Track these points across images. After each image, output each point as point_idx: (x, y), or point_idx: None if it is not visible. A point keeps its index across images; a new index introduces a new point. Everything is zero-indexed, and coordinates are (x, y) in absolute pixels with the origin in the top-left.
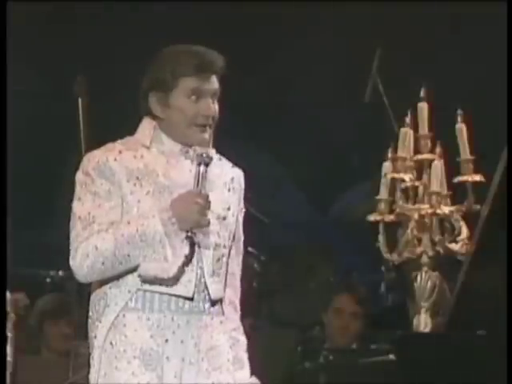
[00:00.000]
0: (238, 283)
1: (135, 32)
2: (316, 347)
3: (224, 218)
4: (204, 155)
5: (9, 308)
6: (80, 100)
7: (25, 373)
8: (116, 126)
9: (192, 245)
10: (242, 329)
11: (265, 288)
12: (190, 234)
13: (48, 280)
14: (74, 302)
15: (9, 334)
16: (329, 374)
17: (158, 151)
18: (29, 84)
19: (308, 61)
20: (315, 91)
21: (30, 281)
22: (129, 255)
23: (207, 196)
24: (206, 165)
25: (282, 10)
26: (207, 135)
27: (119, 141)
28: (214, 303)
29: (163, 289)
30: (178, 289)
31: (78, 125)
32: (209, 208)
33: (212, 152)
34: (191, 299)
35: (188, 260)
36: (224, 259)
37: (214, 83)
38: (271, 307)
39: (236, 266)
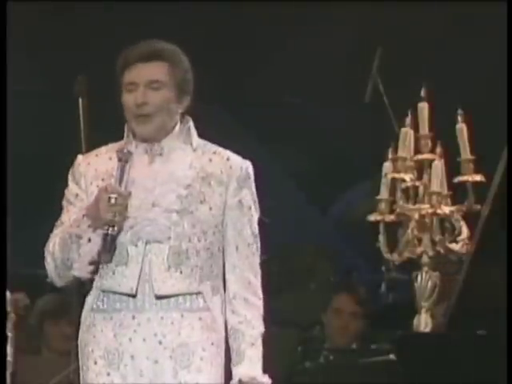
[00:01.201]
0: (248, 275)
1: (135, 32)
2: (316, 347)
3: (190, 212)
4: (125, 151)
5: (9, 308)
6: (80, 100)
7: (25, 373)
8: (116, 126)
9: (113, 241)
10: (254, 322)
11: (265, 288)
12: (109, 231)
13: (48, 280)
14: (74, 301)
15: (9, 334)
16: (329, 374)
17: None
18: (29, 84)
19: (308, 61)
20: (315, 91)
21: (30, 281)
22: (68, 258)
23: (120, 192)
24: (126, 161)
25: (282, 10)
26: (145, 126)
27: (111, 144)
28: (190, 299)
29: (108, 287)
30: (122, 287)
31: (78, 125)
32: (124, 205)
33: (199, 143)
34: (134, 296)
35: (110, 257)
36: (191, 253)
37: (149, 72)
38: (271, 307)
39: (240, 260)
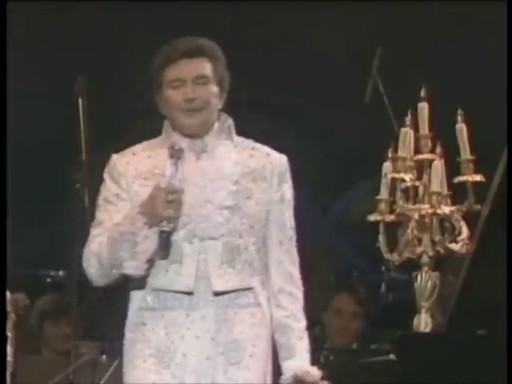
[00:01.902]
0: (290, 269)
1: (135, 32)
2: (316, 347)
3: (239, 208)
4: (176, 147)
5: (9, 308)
6: (80, 100)
7: (24, 373)
8: (116, 126)
9: (168, 237)
10: (299, 315)
11: None
12: (165, 227)
13: (48, 280)
14: (74, 301)
15: (9, 334)
16: (329, 374)
17: None
18: (29, 84)
19: (308, 61)
20: (315, 91)
21: (30, 281)
22: (117, 257)
23: (175, 188)
24: (178, 157)
25: (282, 10)
26: (195, 119)
27: (145, 142)
28: (242, 294)
29: (160, 286)
30: (178, 285)
31: (78, 125)
32: (179, 201)
33: (237, 140)
34: (191, 293)
35: (166, 254)
36: (243, 249)
37: (195, 67)
38: None
39: (283, 254)
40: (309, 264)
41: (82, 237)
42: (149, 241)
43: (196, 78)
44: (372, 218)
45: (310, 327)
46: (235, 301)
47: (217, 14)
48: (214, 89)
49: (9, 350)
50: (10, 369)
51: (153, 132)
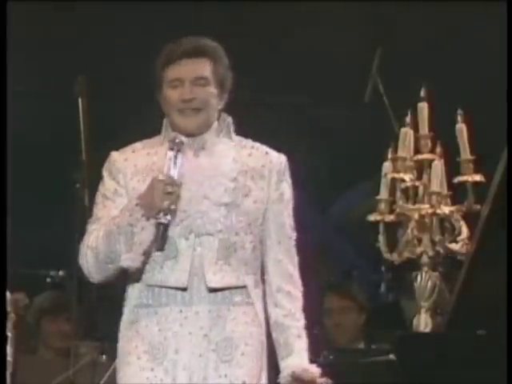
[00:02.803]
0: (289, 269)
1: (135, 32)
2: (316, 347)
3: (237, 206)
4: (177, 140)
5: (9, 308)
6: (80, 100)
7: (22, 371)
8: (116, 126)
9: (165, 230)
10: (298, 314)
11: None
12: (162, 219)
13: (48, 280)
14: (74, 301)
15: (9, 334)
16: (328, 374)
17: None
18: (29, 84)
19: (308, 60)
20: (315, 91)
21: (30, 281)
22: (113, 250)
23: (174, 181)
24: (178, 150)
25: (282, 9)
26: (191, 119)
27: (145, 140)
28: (236, 292)
29: (155, 282)
30: (172, 281)
31: (78, 125)
32: (177, 193)
33: (236, 138)
34: (185, 289)
35: (162, 247)
36: (239, 246)
37: (195, 68)
38: None
39: (282, 253)
40: (309, 264)
41: (82, 237)
42: (146, 232)
43: (195, 78)
44: (372, 218)
45: (311, 327)
46: (229, 298)
47: (216, 13)
48: (213, 90)
49: (9, 349)
50: (10, 369)
51: (153, 131)
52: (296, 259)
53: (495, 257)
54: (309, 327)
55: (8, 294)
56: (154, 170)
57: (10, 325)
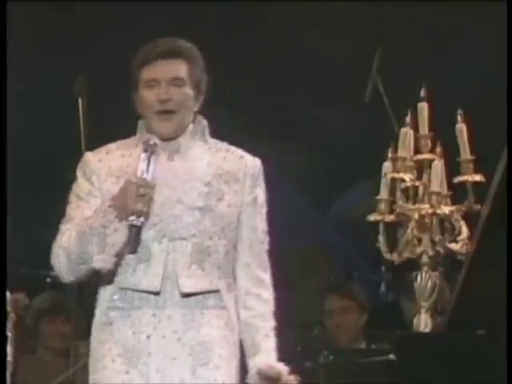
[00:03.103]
0: (257, 273)
1: (135, 32)
2: (316, 347)
3: (211, 210)
4: (150, 142)
5: (9, 308)
6: (80, 100)
7: (22, 371)
8: (116, 126)
9: (137, 232)
10: (267, 315)
11: None
12: (133, 221)
13: (48, 280)
14: (74, 302)
15: (9, 334)
16: (329, 374)
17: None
18: (29, 84)
19: (308, 61)
20: (315, 91)
21: (30, 281)
22: (85, 251)
23: (147, 183)
24: (152, 152)
25: (282, 10)
26: (169, 122)
27: (120, 141)
28: (209, 296)
29: (127, 285)
30: (145, 284)
31: (78, 125)
32: (151, 195)
33: (211, 142)
34: (158, 293)
35: (134, 249)
36: (212, 250)
37: (171, 69)
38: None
39: (251, 257)
40: (309, 265)
41: None
42: (118, 234)
43: (171, 79)
44: (372, 218)
45: (309, 328)
46: (202, 302)
47: (216, 14)
48: (189, 91)
49: (9, 350)
50: (10, 369)
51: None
52: (267, 264)
53: (495, 257)
54: (279, 329)
55: (8, 294)
56: (127, 171)
57: (9, 325)
